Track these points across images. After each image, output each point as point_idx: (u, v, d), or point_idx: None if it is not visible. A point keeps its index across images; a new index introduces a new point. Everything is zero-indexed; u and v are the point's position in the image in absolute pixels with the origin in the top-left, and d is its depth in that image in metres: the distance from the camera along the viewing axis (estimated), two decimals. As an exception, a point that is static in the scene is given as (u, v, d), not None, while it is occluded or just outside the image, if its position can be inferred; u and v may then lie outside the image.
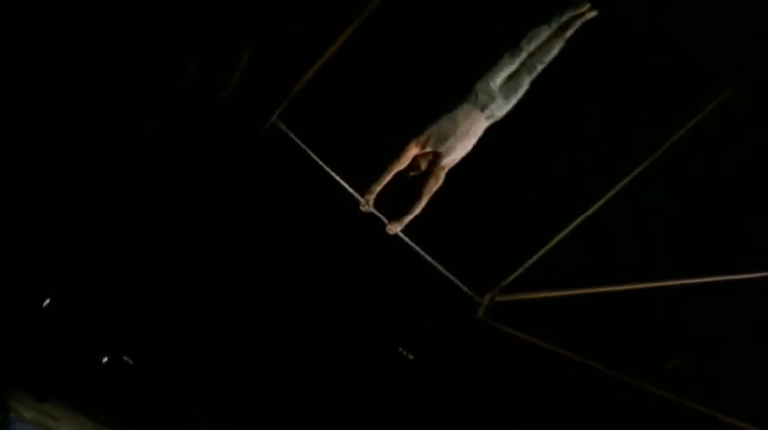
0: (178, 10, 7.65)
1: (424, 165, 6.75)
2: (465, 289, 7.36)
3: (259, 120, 7.15)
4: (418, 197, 6.79)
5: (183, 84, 7.88)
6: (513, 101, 6.81)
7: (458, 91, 7.66)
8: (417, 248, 6.98)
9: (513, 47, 6.77)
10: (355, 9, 6.63)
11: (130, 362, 8.38)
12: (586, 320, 8.20)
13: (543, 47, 6.78)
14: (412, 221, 6.97)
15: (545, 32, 6.79)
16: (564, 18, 6.78)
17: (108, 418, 7.84)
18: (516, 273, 7.52)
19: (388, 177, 6.73)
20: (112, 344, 8.33)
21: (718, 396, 7.51)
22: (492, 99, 6.75)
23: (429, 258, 7.08)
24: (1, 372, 7.30)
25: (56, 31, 7.61)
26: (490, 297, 7.55)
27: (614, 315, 8.23)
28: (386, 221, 6.79)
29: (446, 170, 6.80)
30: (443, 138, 6.68)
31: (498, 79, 6.74)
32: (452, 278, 7.21)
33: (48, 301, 8.10)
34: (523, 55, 6.75)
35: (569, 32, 6.81)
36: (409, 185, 6.86)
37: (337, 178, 6.90)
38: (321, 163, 6.90)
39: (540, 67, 6.79)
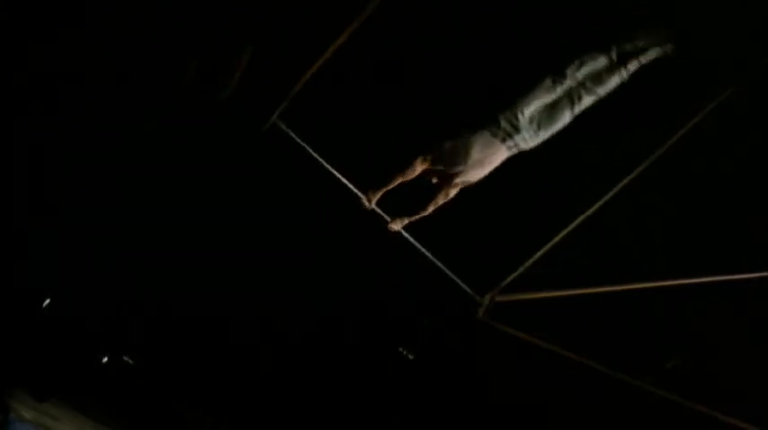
0: (178, 10, 7.64)
1: (435, 179, 6.32)
2: (465, 289, 7.37)
3: (259, 120, 7.15)
4: (425, 204, 6.49)
5: (183, 84, 7.88)
6: (546, 135, 5.99)
7: (458, 91, 7.68)
8: (419, 246, 6.99)
9: (556, 72, 5.85)
10: (355, 9, 6.63)
11: (130, 362, 8.38)
12: (586, 320, 8.20)
13: (595, 76, 5.84)
14: (412, 221, 6.98)
15: (601, 61, 5.83)
16: (628, 48, 5.77)
17: (108, 418, 7.84)
18: (516, 273, 7.53)
19: (394, 185, 6.47)
20: (112, 344, 8.33)
21: (718, 396, 7.52)
22: (517, 130, 5.99)
23: (430, 256, 7.08)
24: (1, 372, 7.30)
25: (56, 30, 7.61)
26: (490, 297, 7.56)
27: (614, 315, 8.23)
28: (388, 219, 6.79)
29: (459, 188, 6.38)
30: (453, 163, 6.14)
31: (531, 108, 5.92)
32: (453, 277, 7.22)
33: (48, 301, 8.10)
34: (568, 83, 5.87)
35: (632, 67, 5.75)
36: (414, 184, 6.85)
37: (339, 176, 6.90)
38: (322, 161, 6.90)
39: (588, 100, 5.83)
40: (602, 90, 5.88)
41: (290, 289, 8.56)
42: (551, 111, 5.98)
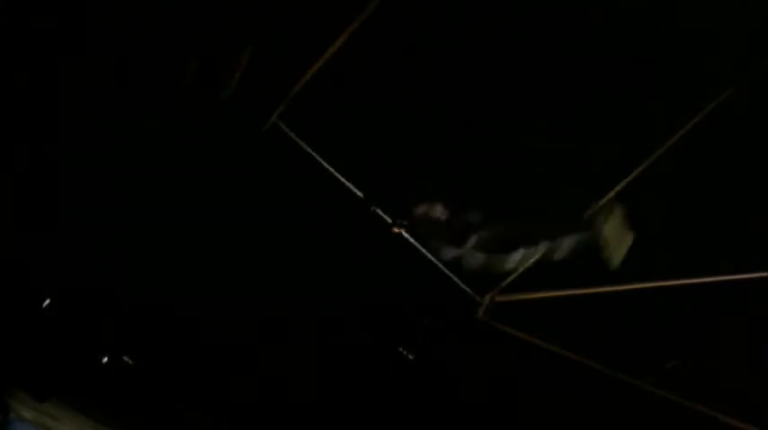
0: (178, 10, 7.64)
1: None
2: (465, 289, 7.38)
3: (259, 120, 7.15)
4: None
5: (183, 84, 7.88)
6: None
7: (458, 91, 7.68)
8: (419, 247, 6.99)
9: None
10: (355, 9, 6.63)
11: (130, 362, 8.37)
12: (586, 320, 8.20)
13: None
14: (412, 221, 6.98)
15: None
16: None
17: (108, 418, 7.83)
18: (516, 273, 7.53)
19: None
20: (112, 344, 8.33)
21: (718, 396, 7.52)
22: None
23: (431, 256, 7.08)
24: (1, 372, 7.29)
25: (56, 30, 7.61)
26: (490, 297, 7.56)
27: (614, 315, 8.22)
28: (390, 221, 6.79)
29: None
30: None
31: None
32: (453, 277, 7.22)
33: (48, 301, 8.09)
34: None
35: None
36: (415, 187, 6.86)
37: (338, 176, 6.91)
38: (322, 161, 6.90)
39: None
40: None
41: (289, 289, 8.55)
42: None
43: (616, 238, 6.35)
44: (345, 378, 8.81)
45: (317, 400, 8.77)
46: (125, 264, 8.29)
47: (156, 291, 8.38)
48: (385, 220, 6.82)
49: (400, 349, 8.86)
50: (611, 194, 7.31)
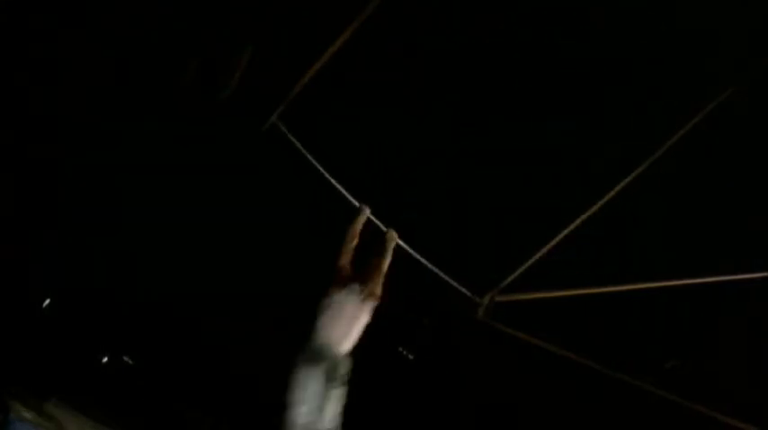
0: (178, 10, 7.65)
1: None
2: (465, 289, 7.37)
3: (259, 120, 7.15)
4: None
5: (183, 84, 7.88)
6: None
7: (458, 91, 7.67)
8: (416, 255, 6.98)
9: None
10: (355, 9, 6.63)
11: (130, 362, 8.38)
12: (586, 320, 8.20)
13: None
14: (412, 221, 6.97)
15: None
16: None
17: (108, 418, 7.82)
18: (516, 273, 7.53)
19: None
20: (112, 344, 8.33)
21: (717, 396, 7.52)
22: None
23: (428, 264, 7.07)
24: (1, 372, 7.30)
25: (56, 31, 7.61)
26: (490, 297, 7.56)
27: (614, 315, 8.22)
28: (384, 229, 6.78)
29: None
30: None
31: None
32: (451, 282, 7.21)
33: (48, 301, 8.10)
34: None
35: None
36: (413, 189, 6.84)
37: (332, 181, 6.89)
38: (317, 165, 6.88)
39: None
40: None
41: (289, 289, 8.55)
42: None
43: None
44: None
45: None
46: (125, 264, 8.30)
47: (156, 291, 8.39)
48: (383, 229, 6.78)
49: (400, 349, 8.86)
50: (612, 194, 7.30)
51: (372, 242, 6.90)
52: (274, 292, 8.53)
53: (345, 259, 6.59)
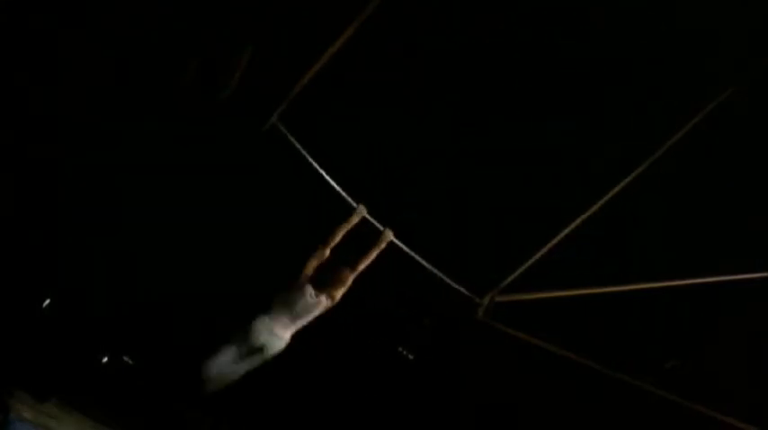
0: (178, 10, 7.64)
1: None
2: (465, 289, 7.37)
3: (259, 120, 7.15)
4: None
5: (183, 84, 7.88)
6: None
7: (457, 91, 7.66)
8: (414, 255, 6.98)
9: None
10: (355, 9, 6.63)
11: (130, 362, 8.37)
12: (586, 320, 8.20)
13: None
14: (412, 221, 6.97)
15: None
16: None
17: (108, 418, 7.82)
18: (516, 273, 7.53)
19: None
20: (112, 344, 8.33)
21: (717, 396, 7.51)
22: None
23: (427, 265, 7.07)
24: (1, 372, 7.30)
25: (56, 30, 7.61)
26: (490, 297, 7.55)
27: (614, 315, 8.23)
28: (381, 228, 6.79)
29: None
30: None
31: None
32: (451, 282, 7.21)
33: (48, 301, 8.10)
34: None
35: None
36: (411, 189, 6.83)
37: (332, 182, 6.89)
38: (316, 166, 6.88)
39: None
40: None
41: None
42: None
43: None
44: (346, 378, 8.81)
45: (318, 400, 8.77)
46: (125, 264, 8.30)
47: (156, 291, 8.38)
48: (380, 228, 6.79)
49: (400, 349, 8.86)
50: (612, 194, 7.30)
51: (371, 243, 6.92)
52: (274, 292, 8.52)
53: (317, 261, 6.70)
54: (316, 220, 8.30)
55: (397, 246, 6.97)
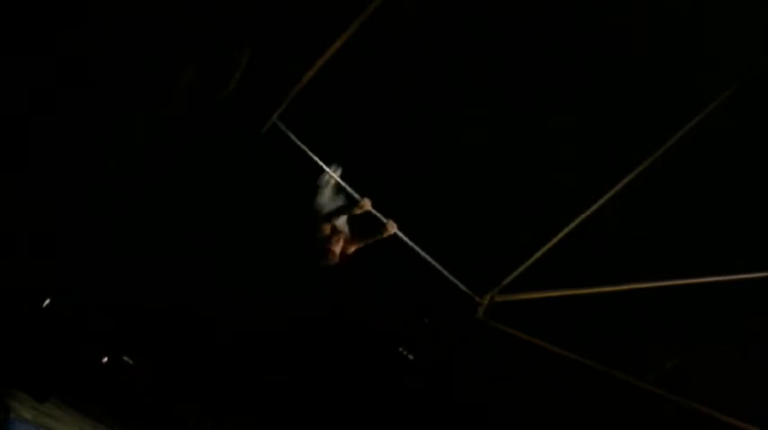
0: (178, 10, 7.64)
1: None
2: (465, 289, 7.36)
3: (259, 121, 7.15)
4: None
5: (183, 84, 7.88)
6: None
7: (457, 91, 7.66)
8: (417, 249, 6.97)
9: None
10: (355, 9, 6.62)
11: (130, 362, 8.38)
12: (586, 320, 8.20)
13: None
14: (412, 221, 6.97)
15: None
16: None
17: (108, 418, 7.84)
18: (516, 273, 7.52)
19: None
20: (112, 344, 8.33)
21: (717, 396, 7.51)
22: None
23: (429, 258, 7.07)
24: (1, 372, 7.31)
25: (56, 30, 7.61)
26: (490, 297, 7.55)
27: (613, 314, 8.23)
28: (384, 221, 6.79)
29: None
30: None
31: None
32: (452, 278, 7.21)
33: (48, 301, 8.10)
34: None
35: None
36: (411, 186, 6.83)
37: (336, 178, 6.89)
38: (321, 163, 6.89)
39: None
40: None
41: (289, 288, 8.56)
42: None
43: None
44: (346, 378, 8.81)
45: (318, 400, 8.77)
46: (125, 264, 8.30)
47: (156, 291, 8.39)
48: (383, 220, 6.80)
49: (400, 349, 8.87)
50: (611, 194, 7.29)
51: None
52: (274, 292, 8.54)
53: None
54: (316, 220, 8.31)
55: (397, 245, 6.97)
